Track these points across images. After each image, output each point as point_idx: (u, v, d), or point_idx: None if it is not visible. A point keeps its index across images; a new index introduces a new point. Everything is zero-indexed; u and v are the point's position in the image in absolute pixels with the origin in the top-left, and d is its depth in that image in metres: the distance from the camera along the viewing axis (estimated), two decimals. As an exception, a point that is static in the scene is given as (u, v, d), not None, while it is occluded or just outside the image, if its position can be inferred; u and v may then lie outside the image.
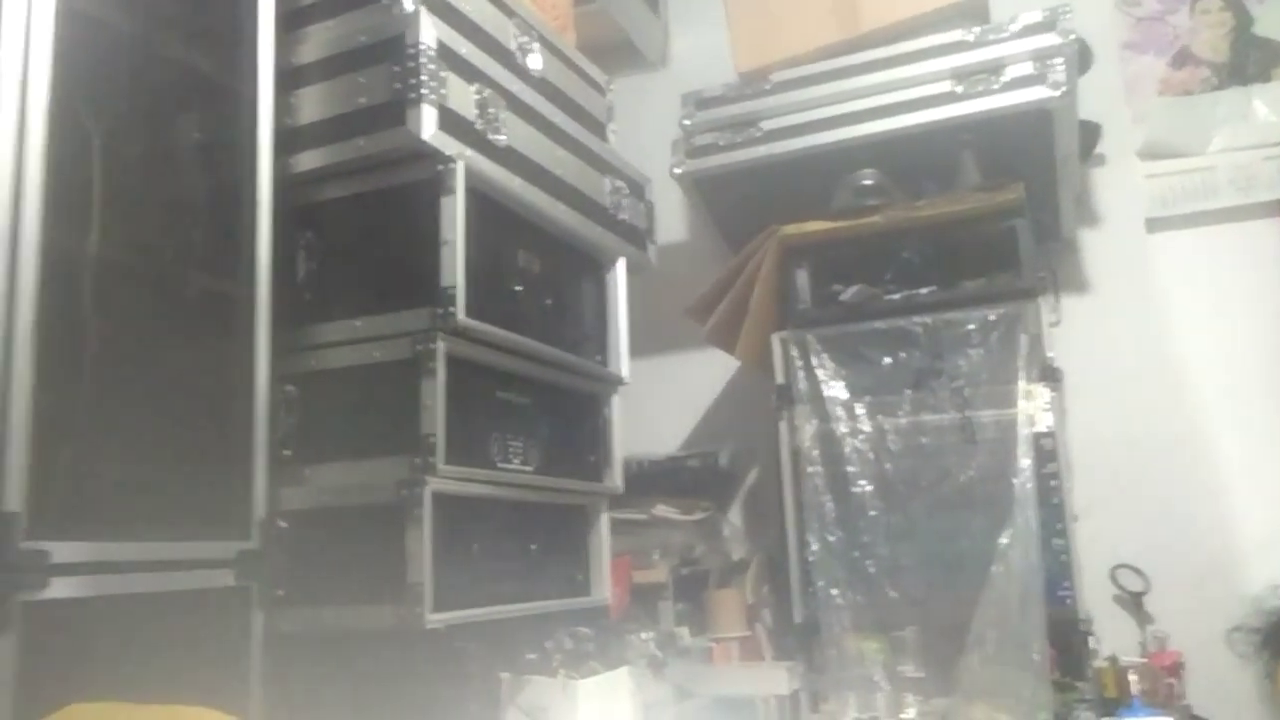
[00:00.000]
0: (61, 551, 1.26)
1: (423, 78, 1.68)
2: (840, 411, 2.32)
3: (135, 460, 1.42)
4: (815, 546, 2.25)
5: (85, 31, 1.41)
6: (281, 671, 1.55)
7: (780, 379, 2.41)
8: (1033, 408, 2.16)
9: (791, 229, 2.44)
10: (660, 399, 2.91)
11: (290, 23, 1.80)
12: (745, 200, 2.62)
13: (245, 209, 1.66)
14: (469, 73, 1.81)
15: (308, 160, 1.79)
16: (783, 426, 2.38)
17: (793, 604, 2.30)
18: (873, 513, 2.23)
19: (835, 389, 2.34)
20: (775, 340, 2.43)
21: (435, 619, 1.57)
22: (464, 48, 1.81)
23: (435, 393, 1.65)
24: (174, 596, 1.43)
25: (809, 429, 2.34)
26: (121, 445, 1.40)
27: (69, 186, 1.35)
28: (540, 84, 2.10)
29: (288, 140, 1.76)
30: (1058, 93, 2.23)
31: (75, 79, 1.37)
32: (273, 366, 1.65)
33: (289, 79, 1.78)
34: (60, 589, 1.26)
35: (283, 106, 1.74)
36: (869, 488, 2.25)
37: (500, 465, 1.84)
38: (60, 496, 1.28)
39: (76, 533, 1.29)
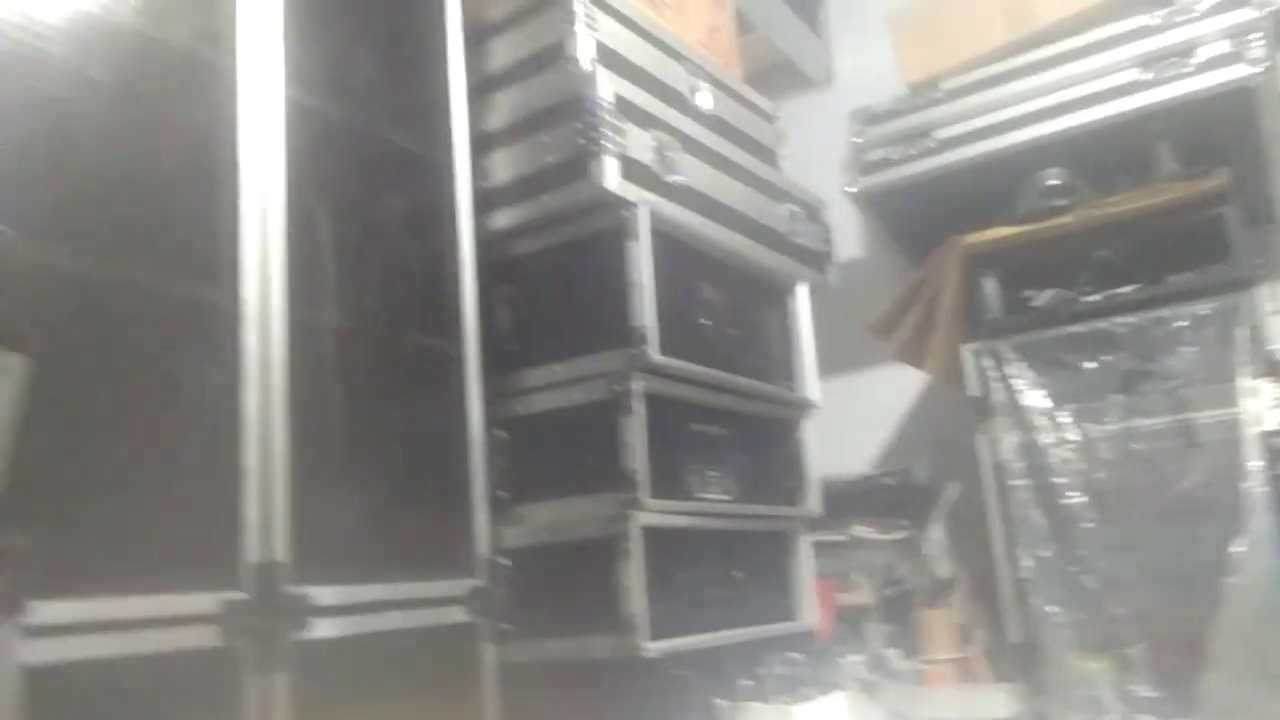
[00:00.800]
0: (321, 595, 1.40)
1: (603, 130, 1.77)
2: (1042, 421, 2.24)
3: (374, 508, 1.55)
4: (1027, 563, 2.18)
5: (308, 124, 1.57)
6: (513, 701, 1.64)
7: (974, 391, 2.35)
8: (1259, 405, 2.02)
9: (975, 237, 2.39)
10: (849, 418, 2.89)
11: (479, 91, 1.93)
12: (923, 212, 2.58)
13: (450, 270, 1.79)
14: (645, 120, 1.89)
15: (502, 219, 1.91)
16: (981, 440, 2.32)
17: (1007, 623, 2.23)
18: (1087, 525, 2.14)
19: (1035, 398, 2.27)
20: (966, 352, 2.38)
21: (652, 648, 1.63)
22: (639, 97, 1.89)
23: (635, 430, 1.72)
24: (415, 633, 1.55)
25: (1010, 441, 2.28)
26: (362, 495, 1.54)
27: (305, 265, 1.50)
28: (711, 121, 2.15)
29: (483, 202, 1.89)
30: (1259, 69, 2.10)
31: (303, 167, 1.53)
32: (484, 413, 1.77)
33: (481, 145, 1.91)
34: (322, 629, 1.39)
35: (477, 171, 1.87)
36: (1081, 499, 2.17)
37: (700, 495, 1.89)
38: (316, 544, 1.42)
39: (332, 577, 1.42)
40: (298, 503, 1.39)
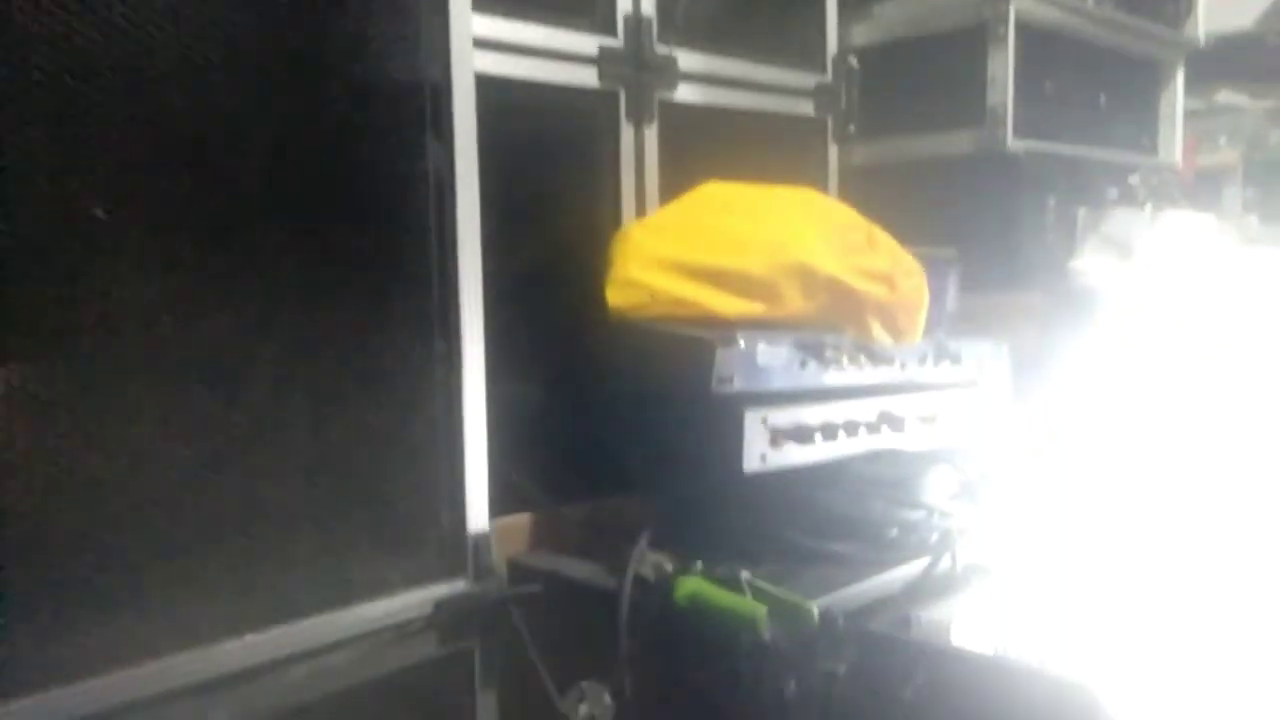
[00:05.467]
0: (685, 60, 1.40)
1: None
2: None
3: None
4: None
5: None
6: (861, 199, 1.62)
7: None
8: None
9: None
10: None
11: None
12: None
13: None
14: None
15: None
16: None
17: None
18: None
19: None
20: None
21: (1016, 144, 1.54)
22: None
23: (1018, -102, 1.51)
24: (765, 117, 1.53)
25: None
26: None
27: None
28: None
29: None
30: None
31: None
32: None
33: None
34: (685, 93, 1.40)
35: None
36: None
37: (1076, -1, 1.69)
38: (679, 10, 1.40)
39: (692, 44, 1.41)
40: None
